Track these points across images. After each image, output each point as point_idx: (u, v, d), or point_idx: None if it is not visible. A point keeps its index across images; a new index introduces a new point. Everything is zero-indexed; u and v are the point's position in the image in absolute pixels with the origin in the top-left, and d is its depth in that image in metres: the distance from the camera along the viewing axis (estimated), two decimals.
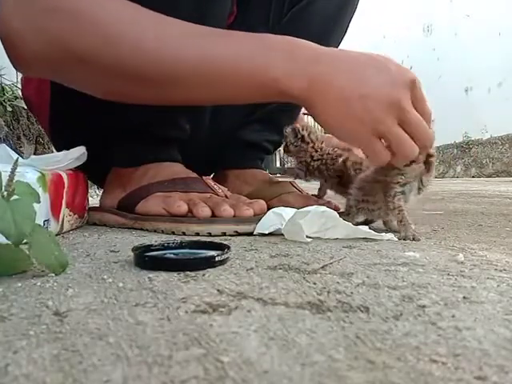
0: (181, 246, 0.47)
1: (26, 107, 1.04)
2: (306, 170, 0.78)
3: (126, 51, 0.52)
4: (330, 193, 0.84)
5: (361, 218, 0.68)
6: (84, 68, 0.54)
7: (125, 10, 0.54)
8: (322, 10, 0.84)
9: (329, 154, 0.77)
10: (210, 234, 0.61)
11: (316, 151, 0.77)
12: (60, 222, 0.60)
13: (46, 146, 1.64)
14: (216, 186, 0.72)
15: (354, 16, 0.90)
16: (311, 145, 0.77)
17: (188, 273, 0.39)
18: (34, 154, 1.60)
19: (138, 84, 0.56)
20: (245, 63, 0.53)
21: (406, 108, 0.52)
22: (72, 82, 0.59)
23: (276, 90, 0.54)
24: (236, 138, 0.92)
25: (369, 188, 0.64)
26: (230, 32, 0.59)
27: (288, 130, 0.79)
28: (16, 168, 0.39)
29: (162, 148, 0.74)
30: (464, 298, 0.32)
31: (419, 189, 0.62)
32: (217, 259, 0.41)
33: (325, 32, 0.85)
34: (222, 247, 0.45)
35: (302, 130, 0.78)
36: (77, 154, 0.63)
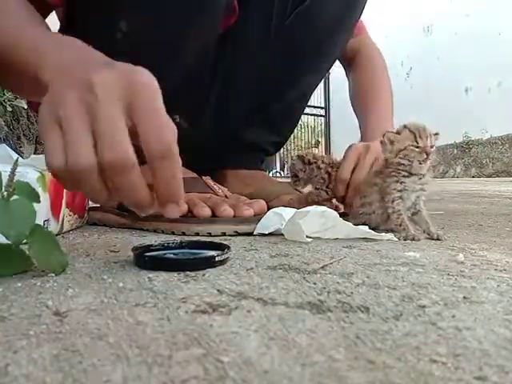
0: (181, 246, 0.47)
1: (25, 107, 1.04)
2: (329, 184, 0.77)
3: None
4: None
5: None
6: None
7: None
8: (326, 11, 0.84)
9: (339, 162, 0.77)
10: (209, 234, 0.61)
11: (328, 164, 0.77)
12: (60, 222, 0.60)
13: None
14: (216, 186, 0.72)
15: None
16: (320, 161, 0.78)
17: (188, 273, 0.39)
18: (34, 153, 1.60)
19: None
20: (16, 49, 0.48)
21: (96, 110, 0.36)
22: None
23: (36, 79, 0.44)
24: (236, 138, 0.92)
25: (367, 191, 0.64)
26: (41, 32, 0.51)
27: (294, 161, 0.80)
28: (16, 168, 0.39)
29: None
30: (464, 297, 0.32)
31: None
32: (217, 259, 0.41)
33: (329, 33, 0.85)
34: (222, 247, 0.45)
35: (306, 155, 0.79)
36: None
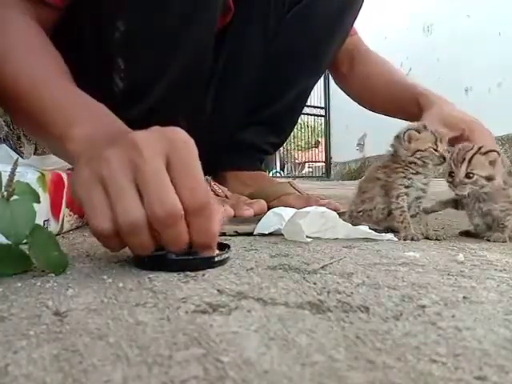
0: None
1: None
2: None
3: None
4: (330, 193, 0.84)
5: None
6: None
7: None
8: (323, 11, 0.84)
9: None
10: None
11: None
12: (60, 222, 0.60)
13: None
14: (216, 187, 0.72)
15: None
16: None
17: (188, 273, 0.39)
18: (34, 154, 1.60)
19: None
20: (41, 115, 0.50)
21: (141, 166, 0.37)
22: None
23: (62, 146, 0.47)
24: (236, 139, 0.92)
25: (368, 187, 0.64)
26: (68, 90, 0.53)
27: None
28: (16, 168, 0.39)
29: None
30: (464, 297, 0.32)
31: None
32: (216, 259, 0.41)
33: (326, 33, 0.85)
34: (222, 247, 0.45)
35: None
36: None
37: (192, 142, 0.40)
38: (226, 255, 0.42)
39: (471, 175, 0.58)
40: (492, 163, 0.59)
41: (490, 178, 0.58)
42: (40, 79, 0.53)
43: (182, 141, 0.39)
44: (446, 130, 0.69)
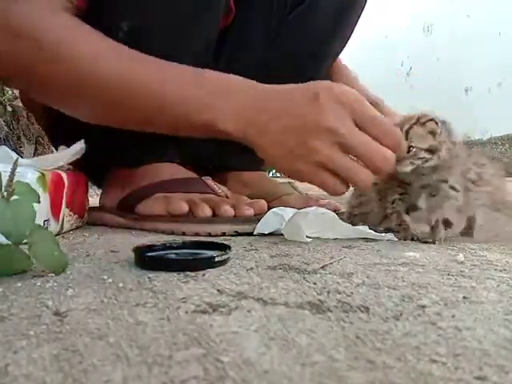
0: (182, 246, 0.47)
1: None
2: None
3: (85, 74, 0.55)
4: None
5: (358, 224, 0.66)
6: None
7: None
8: (325, 12, 0.83)
9: None
10: (209, 234, 0.61)
11: None
12: (60, 222, 0.60)
13: (46, 146, 1.64)
14: (216, 187, 0.72)
15: None
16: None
17: (188, 273, 0.39)
18: (34, 154, 1.60)
19: (93, 104, 0.59)
20: (180, 106, 0.55)
21: (341, 131, 0.49)
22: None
23: (213, 130, 0.55)
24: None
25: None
26: (174, 69, 0.58)
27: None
28: (16, 168, 0.39)
29: (161, 149, 0.74)
30: (464, 297, 0.32)
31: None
32: (217, 259, 0.41)
33: (329, 33, 0.85)
34: (223, 247, 0.45)
35: None
36: (75, 149, 0.63)
37: (357, 95, 0.51)
38: (226, 255, 0.43)
39: (411, 148, 0.54)
40: (433, 134, 0.54)
41: (433, 150, 0.54)
42: (150, 72, 0.56)
43: (352, 99, 0.50)
44: None
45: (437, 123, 0.54)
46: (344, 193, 0.54)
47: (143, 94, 0.55)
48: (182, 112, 0.55)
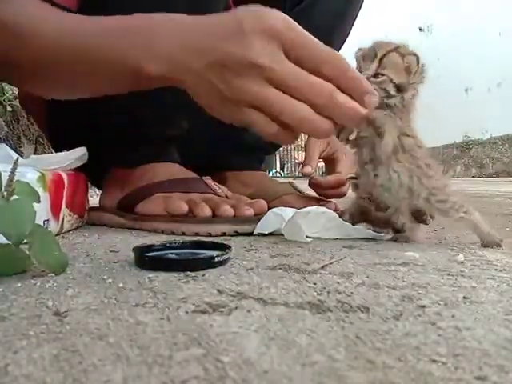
0: (182, 246, 0.47)
1: None
2: None
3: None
4: None
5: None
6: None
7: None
8: (323, 12, 0.84)
9: None
10: (210, 234, 0.61)
11: None
12: (60, 222, 0.60)
13: (46, 146, 1.64)
14: (216, 186, 0.72)
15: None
16: None
17: (188, 273, 0.39)
18: (34, 154, 1.60)
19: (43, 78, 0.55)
20: (105, 51, 0.50)
21: (266, 64, 0.42)
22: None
23: (141, 77, 0.49)
24: (236, 139, 0.92)
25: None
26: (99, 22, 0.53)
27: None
28: (16, 168, 0.39)
29: (161, 148, 0.74)
30: (464, 297, 0.32)
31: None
32: (216, 260, 0.41)
33: (330, 30, 0.84)
34: (223, 247, 0.45)
35: None
36: (78, 155, 0.63)
37: (282, 16, 0.44)
38: (226, 255, 0.43)
39: (380, 75, 0.47)
40: (409, 71, 0.48)
41: (401, 88, 0.48)
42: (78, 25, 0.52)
43: (282, 26, 0.43)
44: (325, 144, 0.82)
45: (418, 59, 0.48)
46: (287, 139, 0.47)
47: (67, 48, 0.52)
48: (104, 60, 0.50)
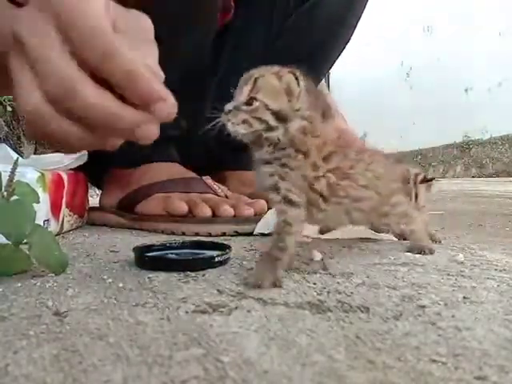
0: (183, 246, 0.47)
1: None
2: None
3: None
4: None
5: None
6: None
7: None
8: (326, 13, 0.83)
9: None
10: (210, 235, 0.61)
11: None
12: (60, 222, 0.60)
13: (46, 146, 1.64)
14: (216, 186, 0.72)
15: None
16: None
17: (188, 273, 0.39)
18: (34, 154, 1.60)
19: None
20: None
21: (30, 44, 0.32)
22: None
23: None
24: (235, 139, 0.91)
25: None
26: None
27: None
28: (16, 168, 0.39)
29: (161, 148, 0.74)
30: (464, 297, 0.32)
31: None
32: (217, 259, 0.41)
33: (332, 31, 0.85)
34: (223, 247, 0.45)
35: None
36: (77, 155, 0.63)
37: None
38: (227, 255, 0.42)
39: (253, 101, 0.37)
40: (289, 93, 0.37)
41: (281, 116, 0.37)
42: None
43: (61, 6, 0.32)
44: None
45: (297, 80, 0.38)
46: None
47: None
48: None
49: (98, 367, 0.21)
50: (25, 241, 0.37)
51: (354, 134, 0.82)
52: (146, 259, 0.41)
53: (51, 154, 0.64)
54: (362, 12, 0.87)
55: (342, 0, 0.83)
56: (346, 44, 0.91)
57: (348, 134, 0.78)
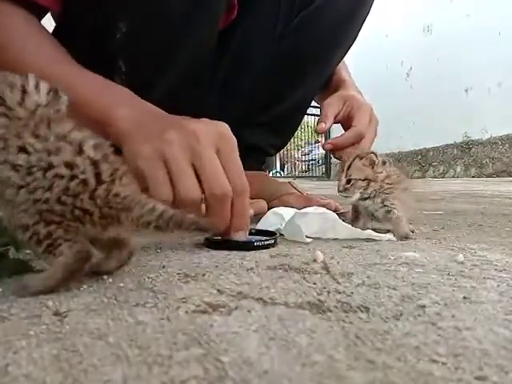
0: (250, 233, 0.54)
1: None
2: None
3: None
4: (330, 193, 0.84)
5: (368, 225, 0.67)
6: None
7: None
8: (331, 15, 0.83)
9: None
10: None
11: None
12: None
13: None
14: None
15: None
16: None
17: (188, 273, 0.39)
18: None
19: None
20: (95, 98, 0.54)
21: (202, 142, 0.47)
22: None
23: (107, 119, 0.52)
24: (237, 140, 0.91)
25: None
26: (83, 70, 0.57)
27: None
28: None
29: None
30: (464, 298, 0.32)
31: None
32: (256, 244, 0.50)
33: (339, 31, 0.84)
34: (270, 234, 0.55)
35: None
36: None
37: (234, 137, 0.50)
38: (268, 242, 0.51)
39: (350, 180, 0.61)
40: (371, 164, 0.61)
41: (368, 179, 0.61)
42: (49, 63, 0.54)
43: (229, 136, 0.50)
44: (341, 103, 0.80)
45: (376, 155, 0.61)
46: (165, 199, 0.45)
47: None
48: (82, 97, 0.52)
49: (97, 367, 0.21)
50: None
51: (364, 101, 0.82)
52: (212, 242, 0.51)
53: None
54: (369, 11, 0.87)
55: (348, 2, 0.82)
56: (354, 41, 0.90)
57: (355, 100, 0.79)
